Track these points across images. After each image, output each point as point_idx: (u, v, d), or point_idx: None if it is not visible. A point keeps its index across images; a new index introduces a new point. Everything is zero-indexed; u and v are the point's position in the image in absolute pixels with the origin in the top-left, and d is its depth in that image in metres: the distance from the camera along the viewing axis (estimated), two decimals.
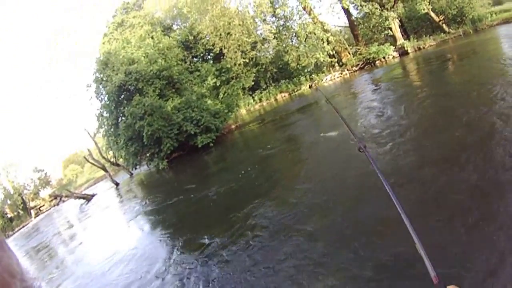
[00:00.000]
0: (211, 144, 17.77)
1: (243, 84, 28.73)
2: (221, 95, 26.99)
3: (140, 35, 26.59)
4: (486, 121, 5.18)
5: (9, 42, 75.50)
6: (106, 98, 20.71)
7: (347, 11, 26.39)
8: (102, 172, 30.24)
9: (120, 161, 24.45)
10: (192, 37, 28.59)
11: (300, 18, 26.88)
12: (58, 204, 32.96)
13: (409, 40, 24.60)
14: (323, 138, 8.72)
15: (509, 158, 3.83)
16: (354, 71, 24.92)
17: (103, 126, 21.90)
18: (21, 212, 40.11)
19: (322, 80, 26.00)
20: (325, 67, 27.35)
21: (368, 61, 24.30)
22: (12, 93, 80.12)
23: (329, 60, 26.16)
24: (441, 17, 26.24)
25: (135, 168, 22.16)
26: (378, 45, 24.14)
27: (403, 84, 12.46)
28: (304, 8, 26.21)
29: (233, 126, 21.85)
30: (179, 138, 18.11)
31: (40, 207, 39.54)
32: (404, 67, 17.74)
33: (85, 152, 26.21)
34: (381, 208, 3.68)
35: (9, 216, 40.14)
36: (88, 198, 22.04)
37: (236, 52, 27.06)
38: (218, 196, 7.77)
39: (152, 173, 19.12)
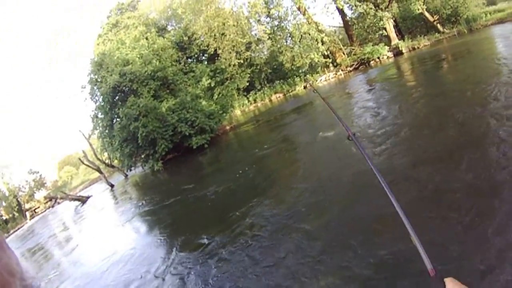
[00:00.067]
0: (206, 145, 17.72)
1: (237, 85, 28.63)
2: (215, 96, 26.94)
3: (134, 36, 26.42)
4: (481, 120, 5.24)
5: (9, 42, 74.82)
6: (100, 99, 20.59)
7: (341, 11, 26.37)
8: (97, 174, 29.94)
9: (115, 162, 24.28)
10: (187, 38, 28.47)
11: (294, 18, 26.89)
12: (53, 206, 32.62)
13: (403, 40, 24.67)
14: (318, 137, 8.74)
15: (503, 157, 3.88)
16: (348, 72, 24.94)
17: (98, 127, 21.76)
18: (16, 214, 39.68)
19: (316, 80, 25.98)
20: (319, 68, 27.32)
21: (363, 61, 24.34)
22: (12, 93, 79.38)
23: (324, 60, 26.14)
24: (436, 17, 26.42)
25: (130, 170, 22.02)
26: (372, 45, 24.17)
27: (398, 84, 12.54)
28: (298, 9, 26.19)
29: (227, 127, 21.75)
30: (174, 139, 18.05)
31: (35, 209, 39.12)
32: (399, 67, 17.84)
33: (80, 154, 25.95)
34: (378, 206, 3.71)
35: (4, 218, 39.73)
36: (83, 200, 21.83)
37: (230, 52, 26.98)
38: (216, 196, 7.75)
39: (147, 175, 19.01)
